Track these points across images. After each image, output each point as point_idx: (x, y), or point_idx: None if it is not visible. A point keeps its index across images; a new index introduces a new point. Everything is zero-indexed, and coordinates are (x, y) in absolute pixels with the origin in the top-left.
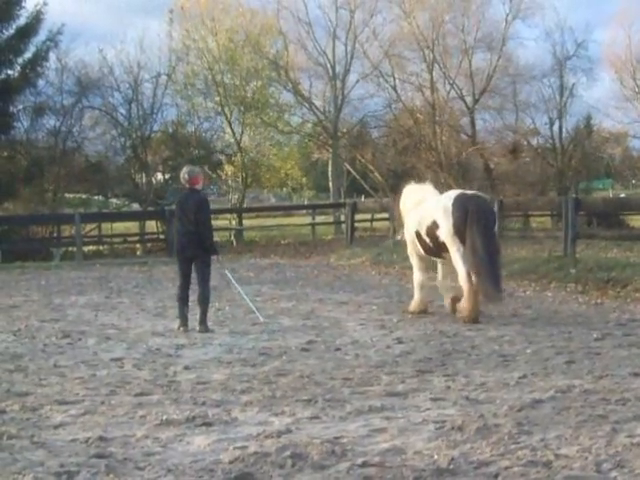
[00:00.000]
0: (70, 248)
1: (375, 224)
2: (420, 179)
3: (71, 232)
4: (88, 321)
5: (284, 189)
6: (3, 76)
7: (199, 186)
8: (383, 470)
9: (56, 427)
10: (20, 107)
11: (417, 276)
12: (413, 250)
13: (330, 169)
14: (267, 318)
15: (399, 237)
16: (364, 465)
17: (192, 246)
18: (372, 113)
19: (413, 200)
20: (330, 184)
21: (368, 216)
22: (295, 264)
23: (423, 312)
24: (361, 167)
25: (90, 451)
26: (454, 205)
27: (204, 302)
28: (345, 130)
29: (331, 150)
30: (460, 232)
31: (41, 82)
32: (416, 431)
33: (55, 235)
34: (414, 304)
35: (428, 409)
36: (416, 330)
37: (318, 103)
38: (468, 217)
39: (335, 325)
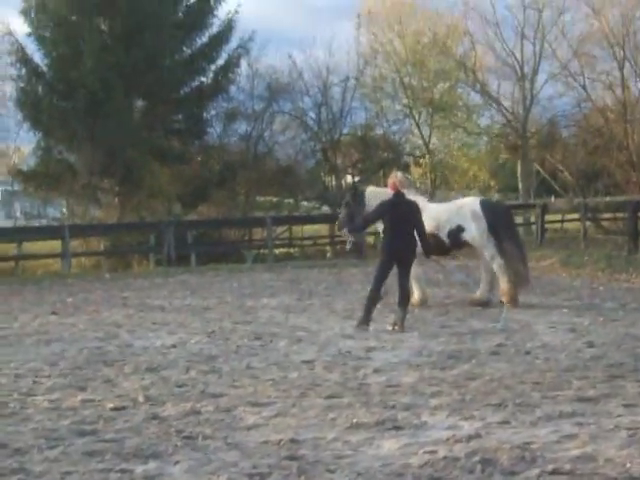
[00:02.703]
0: (262, 250)
1: (566, 225)
2: (610, 178)
3: (262, 235)
4: (279, 323)
5: (472, 191)
6: (197, 83)
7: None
8: (574, 477)
9: (249, 428)
10: (213, 113)
11: (416, 273)
12: None
13: (519, 169)
14: (455, 321)
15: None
16: (554, 472)
17: (405, 248)
18: (561, 113)
19: None
20: (519, 185)
21: (559, 217)
22: None
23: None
24: (550, 167)
25: (282, 453)
26: (483, 210)
27: (406, 302)
28: (534, 130)
29: (520, 151)
30: (493, 232)
31: (233, 88)
32: (608, 438)
33: (247, 238)
34: (415, 297)
35: (620, 415)
36: (607, 334)
37: (506, 104)
38: (498, 219)
39: (525, 328)
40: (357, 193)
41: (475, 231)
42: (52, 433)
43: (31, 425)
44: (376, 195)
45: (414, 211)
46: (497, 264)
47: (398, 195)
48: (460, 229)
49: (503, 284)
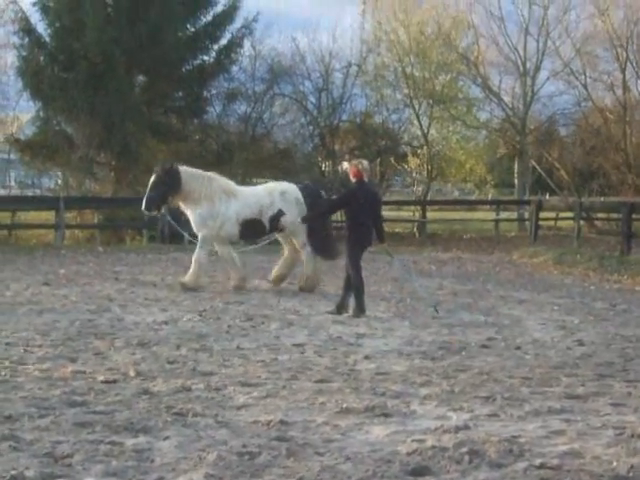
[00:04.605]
0: None
1: (560, 223)
2: (606, 179)
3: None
4: (271, 305)
5: (468, 184)
6: (199, 61)
7: None
8: (560, 473)
9: (239, 408)
10: (213, 92)
11: (225, 251)
12: (221, 233)
13: (516, 165)
14: (447, 312)
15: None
16: (541, 466)
17: (368, 236)
18: (561, 111)
19: (219, 187)
20: (515, 180)
21: (553, 214)
22: (477, 259)
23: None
24: (547, 165)
25: (271, 434)
26: (305, 196)
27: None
28: (533, 127)
29: (518, 146)
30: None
31: (234, 68)
32: (595, 436)
33: None
34: (194, 278)
35: (608, 414)
36: (597, 333)
37: (507, 99)
38: (317, 204)
39: (515, 323)
40: (170, 171)
41: (296, 216)
42: (43, 402)
43: (22, 393)
44: (191, 175)
45: (377, 200)
46: (307, 252)
47: (362, 183)
48: (281, 213)
49: (309, 271)
